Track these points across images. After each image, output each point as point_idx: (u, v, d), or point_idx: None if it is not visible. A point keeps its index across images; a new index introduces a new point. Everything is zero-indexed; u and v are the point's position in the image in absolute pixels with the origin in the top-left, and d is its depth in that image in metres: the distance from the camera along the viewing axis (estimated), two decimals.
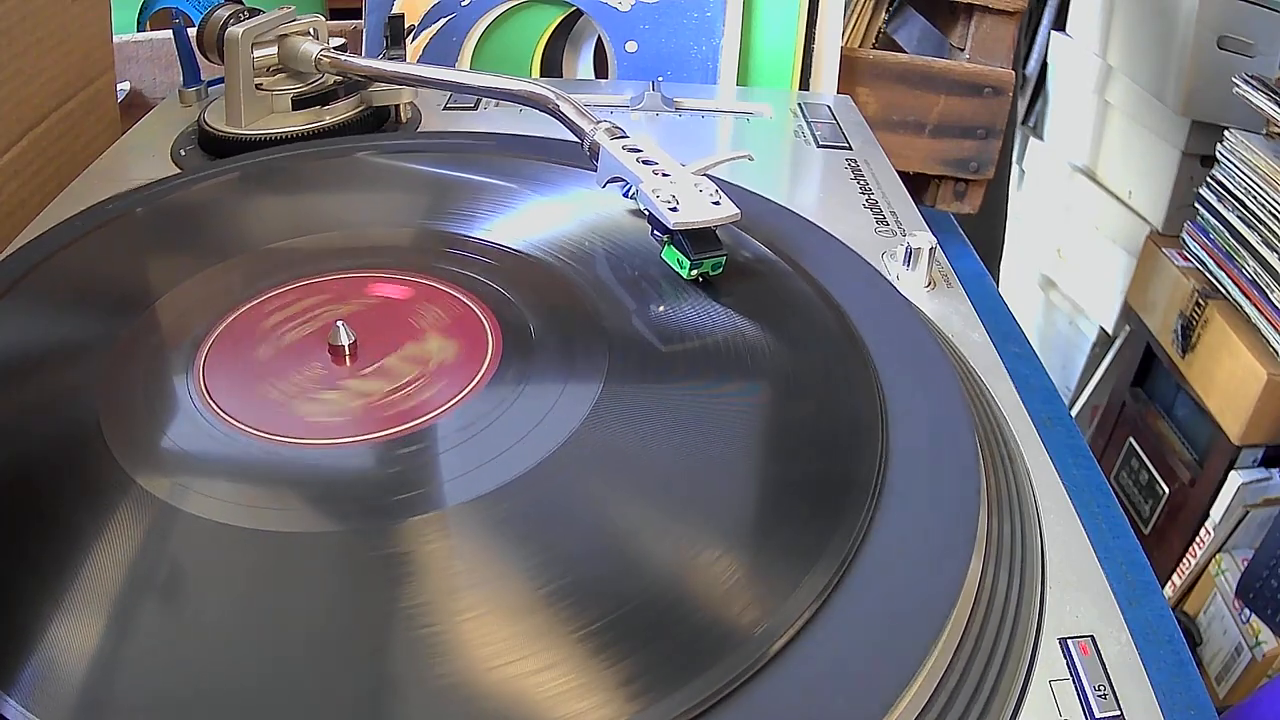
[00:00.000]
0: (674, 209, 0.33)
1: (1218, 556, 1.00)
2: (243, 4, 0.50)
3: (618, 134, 0.38)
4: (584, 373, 0.30)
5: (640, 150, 0.37)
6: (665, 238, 0.34)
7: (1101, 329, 1.21)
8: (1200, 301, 1.02)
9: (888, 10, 0.94)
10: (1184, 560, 1.03)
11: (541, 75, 0.62)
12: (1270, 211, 0.94)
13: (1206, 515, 1.00)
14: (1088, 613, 0.25)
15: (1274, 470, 0.97)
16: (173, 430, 0.28)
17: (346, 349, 0.31)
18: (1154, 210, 1.12)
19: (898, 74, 0.63)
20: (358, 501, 0.26)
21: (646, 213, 0.35)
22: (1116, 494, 1.09)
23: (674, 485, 0.26)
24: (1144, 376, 1.15)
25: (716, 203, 0.34)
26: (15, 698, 0.20)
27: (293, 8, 0.50)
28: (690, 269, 0.33)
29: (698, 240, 0.33)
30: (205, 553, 0.25)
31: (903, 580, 0.24)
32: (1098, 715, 0.23)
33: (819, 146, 0.51)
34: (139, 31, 0.83)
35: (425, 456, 0.27)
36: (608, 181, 0.37)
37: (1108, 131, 1.17)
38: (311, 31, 0.49)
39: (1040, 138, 1.28)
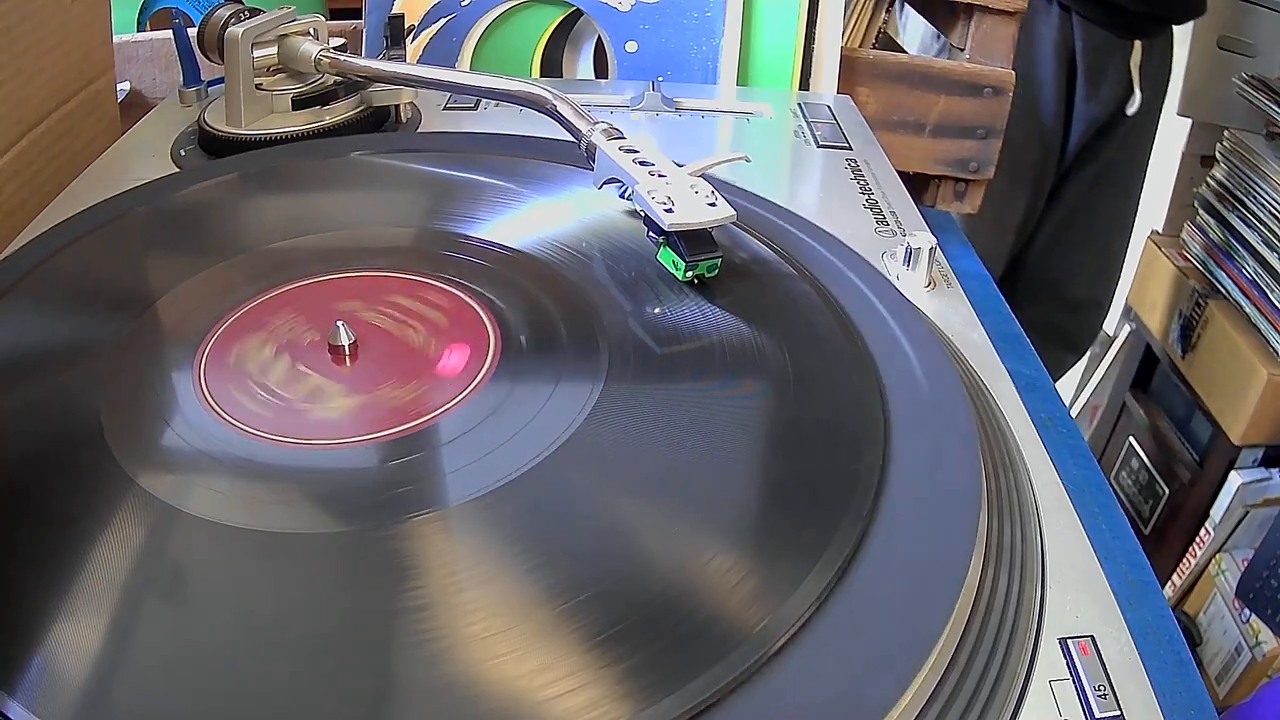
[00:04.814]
0: (669, 210, 0.33)
1: (1218, 556, 1.00)
2: (243, 4, 0.50)
3: (615, 135, 0.38)
4: (584, 372, 0.30)
5: (637, 151, 0.37)
6: (661, 239, 0.34)
7: (1102, 329, 1.21)
8: (1200, 301, 1.02)
9: (887, 10, 0.94)
10: (1184, 560, 1.03)
11: (541, 75, 0.62)
12: (1270, 211, 0.94)
13: (1206, 515, 1.00)
14: (1088, 613, 0.25)
15: (1274, 470, 0.97)
16: (173, 431, 0.28)
17: (346, 349, 0.31)
18: (1154, 210, 1.12)
19: (898, 74, 0.63)
20: (358, 502, 0.26)
21: (643, 214, 0.35)
22: (1116, 494, 1.09)
23: (674, 485, 0.26)
24: (1144, 377, 1.15)
25: (712, 204, 0.34)
26: (18, 698, 0.20)
27: (293, 8, 0.50)
28: (686, 270, 0.33)
29: (693, 242, 0.33)
30: (206, 553, 0.25)
31: (903, 580, 0.24)
32: (1098, 715, 0.23)
33: (819, 146, 0.51)
34: (139, 31, 0.83)
35: (426, 456, 0.27)
36: (604, 182, 0.37)
37: None
38: (311, 31, 0.49)
39: None
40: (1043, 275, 1.08)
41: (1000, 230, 1.02)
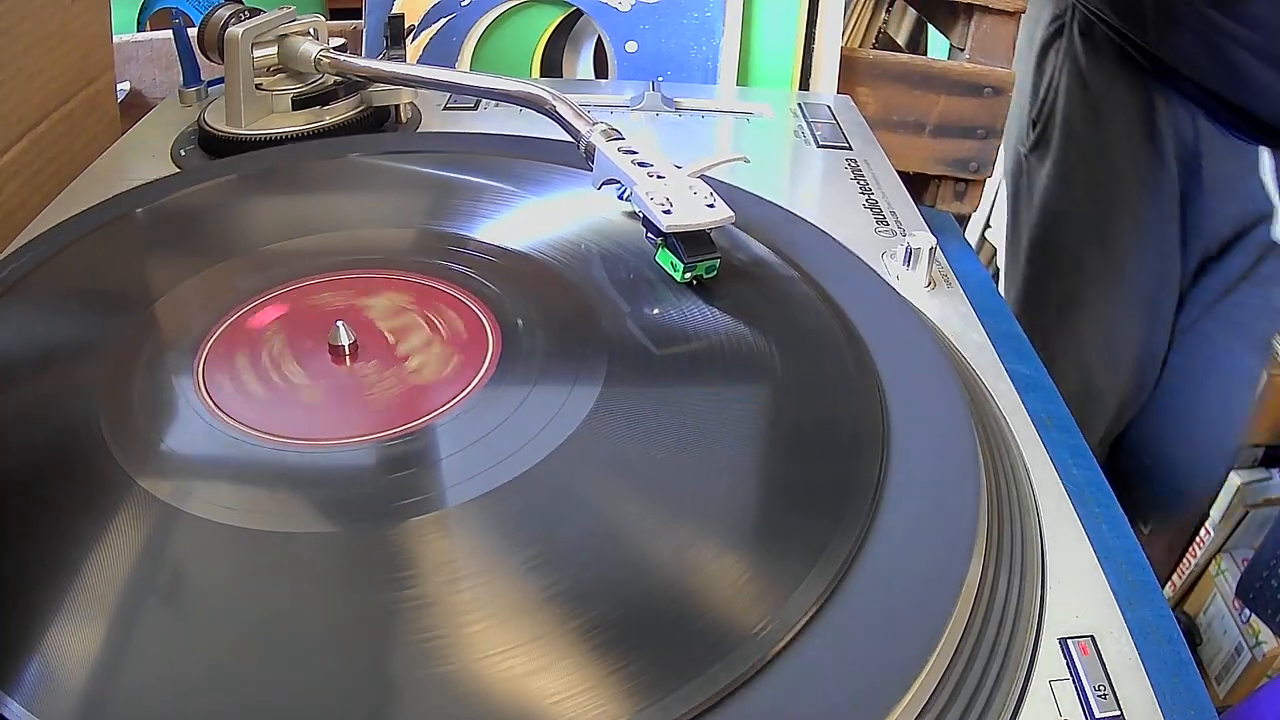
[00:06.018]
0: (667, 211, 0.33)
1: (1218, 556, 1.00)
2: (243, 4, 0.50)
3: (614, 135, 0.38)
4: (583, 373, 0.30)
5: (635, 152, 0.37)
6: (659, 240, 0.34)
7: None
8: None
9: (887, 10, 0.94)
10: (1184, 560, 1.03)
11: (541, 75, 0.62)
12: None
13: (1206, 515, 1.00)
14: (1088, 613, 0.26)
15: (1274, 470, 0.97)
16: (173, 431, 0.28)
17: (346, 349, 0.31)
18: None
19: (898, 74, 0.62)
20: (358, 501, 0.26)
21: (641, 215, 0.35)
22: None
23: (674, 486, 0.26)
24: None
25: (710, 205, 0.34)
26: (17, 698, 0.20)
27: (293, 8, 0.50)
28: (684, 272, 0.33)
29: (691, 243, 0.33)
30: (207, 553, 0.25)
31: (903, 580, 0.24)
32: (1098, 715, 0.23)
33: (819, 146, 0.51)
34: (139, 31, 0.83)
35: (425, 456, 0.27)
36: (603, 183, 0.37)
37: None
38: (311, 31, 0.49)
39: None
40: (1150, 443, 0.84)
41: (1111, 363, 0.82)
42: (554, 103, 0.41)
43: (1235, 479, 0.96)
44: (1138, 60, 0.73)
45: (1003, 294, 0.81)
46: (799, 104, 0.56)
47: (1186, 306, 0.80)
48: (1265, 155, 0.74)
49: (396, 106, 0.51)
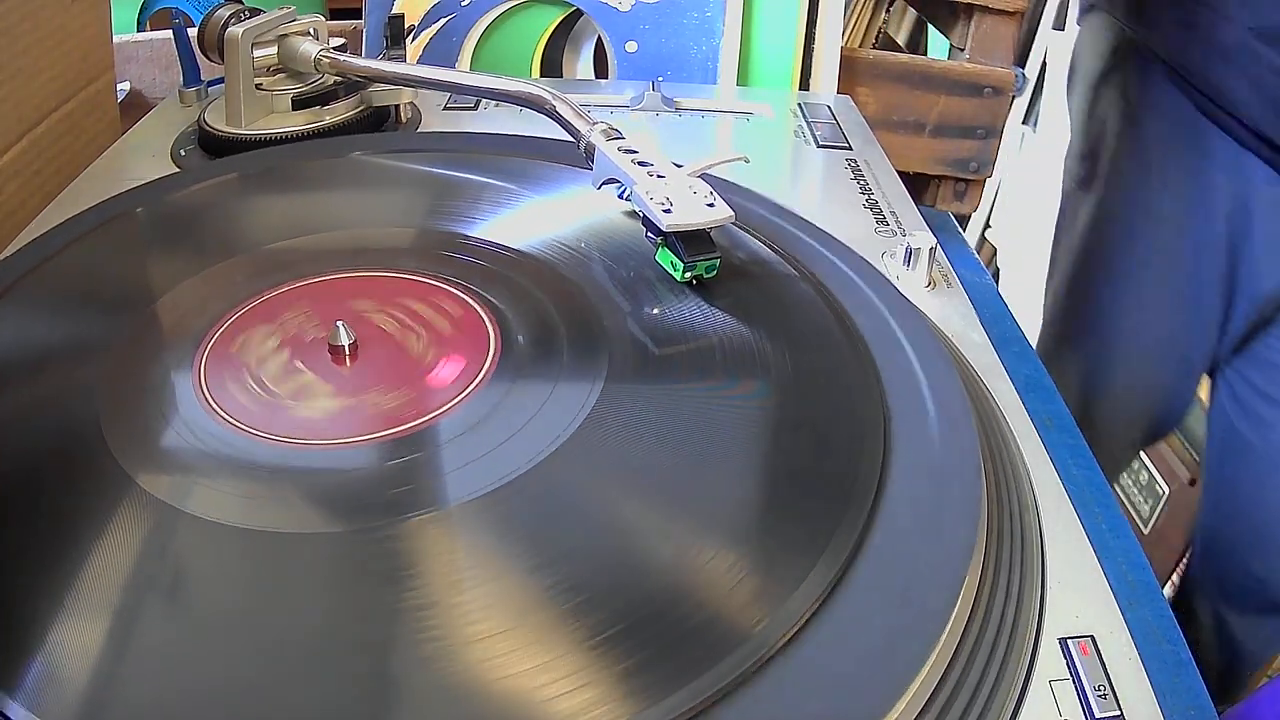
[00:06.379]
0: (667, 211, 0.33)
1: None
2: (243, 4, 0.50)
3: (614, 135, 0.38)
4: (584, 372, 0.30)
5: (635, 151, 0.37)
6: (659, 240, 0.34)
7: None
8: None
9: (887, 10, 0.94)
10: (1184, 560, 1.03)
11: (541, 75, 0.62)
12: None
13: None
14: (1088, 613, 0.26)
15: None
16: (173, 431, 0.28)
17: (346, 349, 0.31)
18: None
19: (898, 74, 0.63)
20: (358, 502, 0.26)
21: (641, 215, 0.35)
22: (1116, 494, 1.08)
23: (675, 485, 0.26)
24: None
25: (710, 204, 0.34)
26: (19, 699, 0.20)
27: (293, 8, 0.50)
28: (684, 271, 0.33)
29: (691, 242, 0.33)
30: (206, 553, 0.25)
31: (903, 580, 0.24)
32: (1098, 715, 0.23)
33: (819, 146, 0.51)
34: (139, 31, 0.83)
35: (426, 457, 0.27)
36: (603, 183, 0.37)
37: None
38: (311, 31, 0.49)
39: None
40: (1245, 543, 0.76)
41: (1131, 408, 0.79)
42: (554, 103, 0.41)
43: None
44: (1191, 101, 0.67)
45: (1032, 324, 0.77)
46: (799, 104, 0.56)
47: (1243, 369, 0.74)
48: None
49: (396, 106, 0.51)
